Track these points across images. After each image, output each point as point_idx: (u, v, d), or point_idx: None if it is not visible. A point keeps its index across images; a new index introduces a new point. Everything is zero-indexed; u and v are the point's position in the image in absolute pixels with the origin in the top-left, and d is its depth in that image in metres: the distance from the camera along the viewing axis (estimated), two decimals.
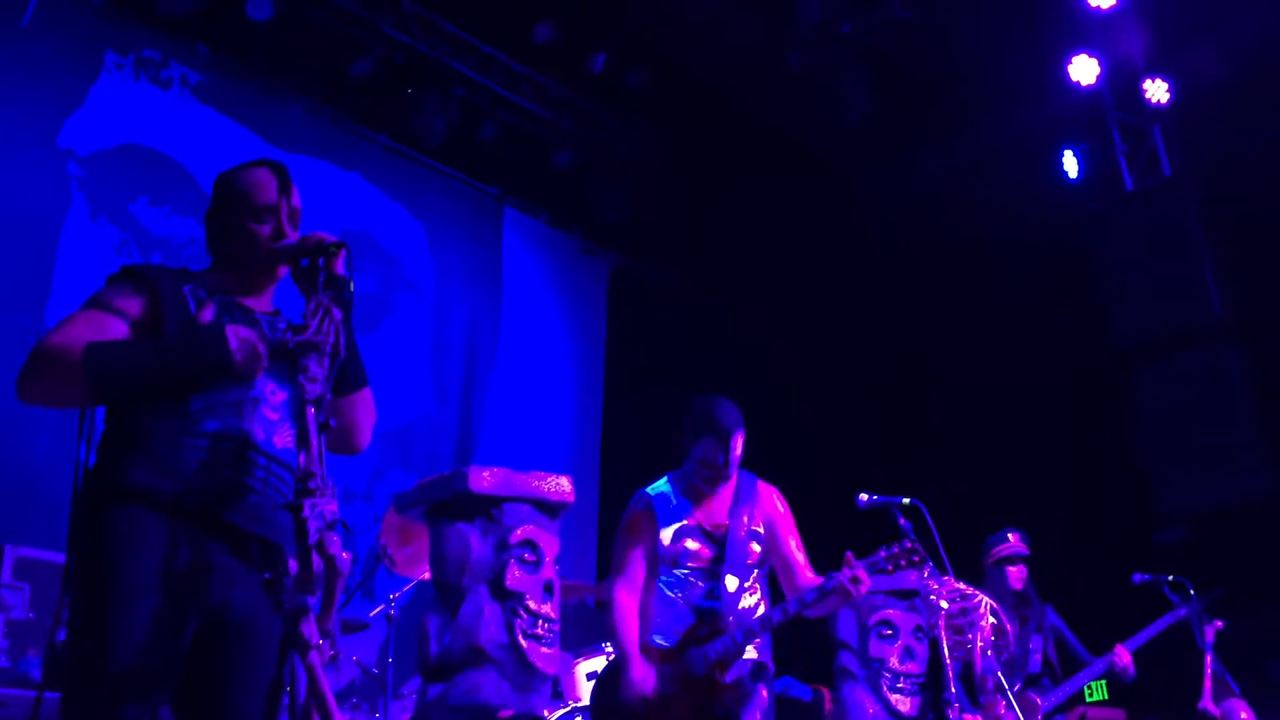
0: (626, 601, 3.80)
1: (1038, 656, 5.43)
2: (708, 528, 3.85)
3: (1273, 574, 7.06)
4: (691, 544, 3.81)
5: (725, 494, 3.91)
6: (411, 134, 7.91)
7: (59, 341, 2.32)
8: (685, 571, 3.78)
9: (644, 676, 3.68)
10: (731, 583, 3.77)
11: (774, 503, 3.97)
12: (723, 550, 3.80)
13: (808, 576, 3.83)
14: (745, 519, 3.87)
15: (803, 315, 9.57)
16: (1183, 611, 5.35)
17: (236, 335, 2.36)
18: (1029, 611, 5.54)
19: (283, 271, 2.60)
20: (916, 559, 3.68)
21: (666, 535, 3.82)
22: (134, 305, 2.41)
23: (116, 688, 2.15)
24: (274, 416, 2.46)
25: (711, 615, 3.71)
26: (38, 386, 2.34)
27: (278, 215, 2.56)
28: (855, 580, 3.58)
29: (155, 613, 2.21)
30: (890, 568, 3.68)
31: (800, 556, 3.90)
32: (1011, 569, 5.52)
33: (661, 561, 3.81)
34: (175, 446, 2.33)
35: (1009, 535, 5.63)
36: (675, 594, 3.78)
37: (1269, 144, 7.92)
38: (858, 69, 8.20)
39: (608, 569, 3.94)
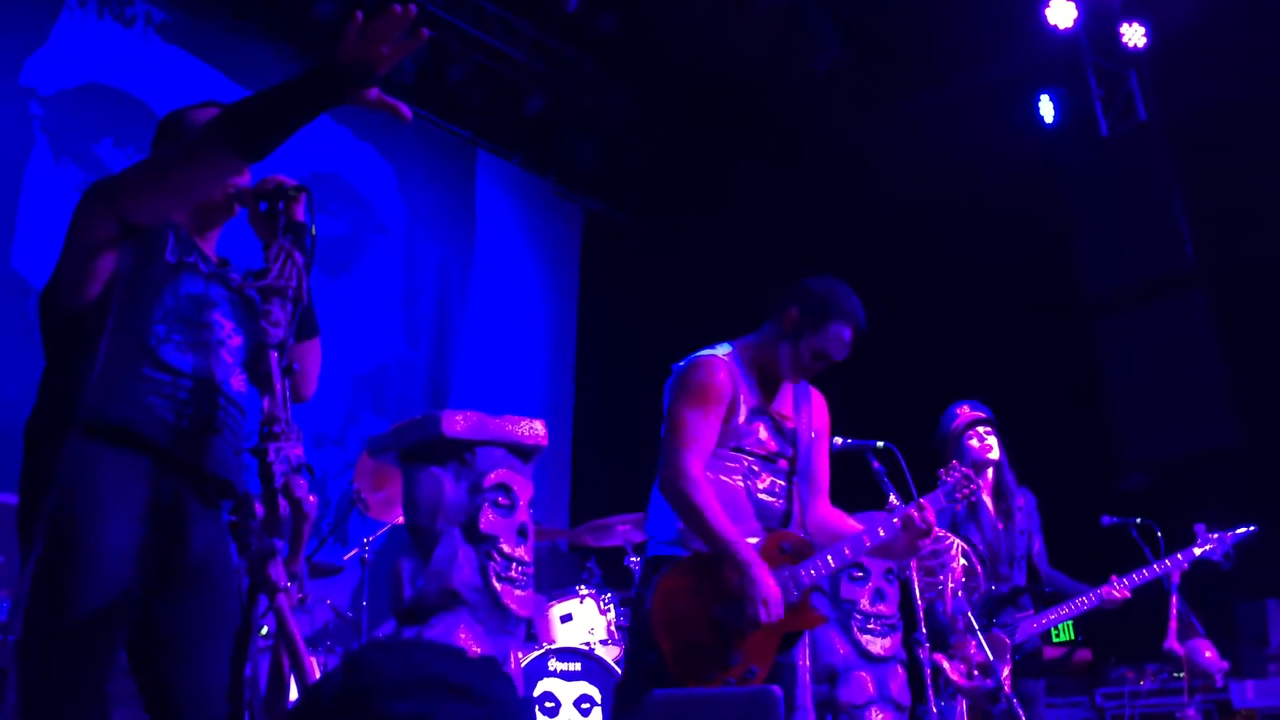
0: (705, 481, 3.21)
1: (1023, 562, 4.94)
2: (776, 418, 3.42)
3: (1237, 521, 7.16)
4: (761, 429, 3.36)
5: (786, 385, 3.52)
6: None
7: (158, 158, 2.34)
8: (750, 458, 3.34)
9: (775, 592, 3.10)
10: (800, 490, 3.42)
11: (826, 414, 3.60)
12: (793, 448, 3.43)
13: (828, 505, 3.51)
14: (808, 422, 3.50)
15: (775, 260, 9.55)
16: (1209, 544, 5.00)
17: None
18: (1011, 504, 4.94)
19: (236, 209, 2.55)
20: (974, 485, 3.55)
21: (744, 410, 3.33)
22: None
23: (77, 633, 2.13)
24: (230, 360, 2.45)
25: (768, 515, 3.33)
26: (179, 178, 2.27)
27: (213, 193, 2.52)
28: (921, 509, 3.37)
29: (121, 555, 2.20)
30: (959, 497, 3.54)
31: (826, 479, 3.54)
32: (969, 439, 4.91)
33: (725, 439, 3.30)
34: (143, 382, 2.30)
35: (958, 406, 5.07)
36: (735, 480, 3.32)
37: (1245, 88, 7.92)
38: (828, 13, 8.13)
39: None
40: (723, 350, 3.40)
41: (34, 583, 2.16)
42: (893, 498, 3.60)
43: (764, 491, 3.35)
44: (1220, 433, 7.63)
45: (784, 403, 3.47)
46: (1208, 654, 5.21)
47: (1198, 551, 5.00)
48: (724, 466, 3.31)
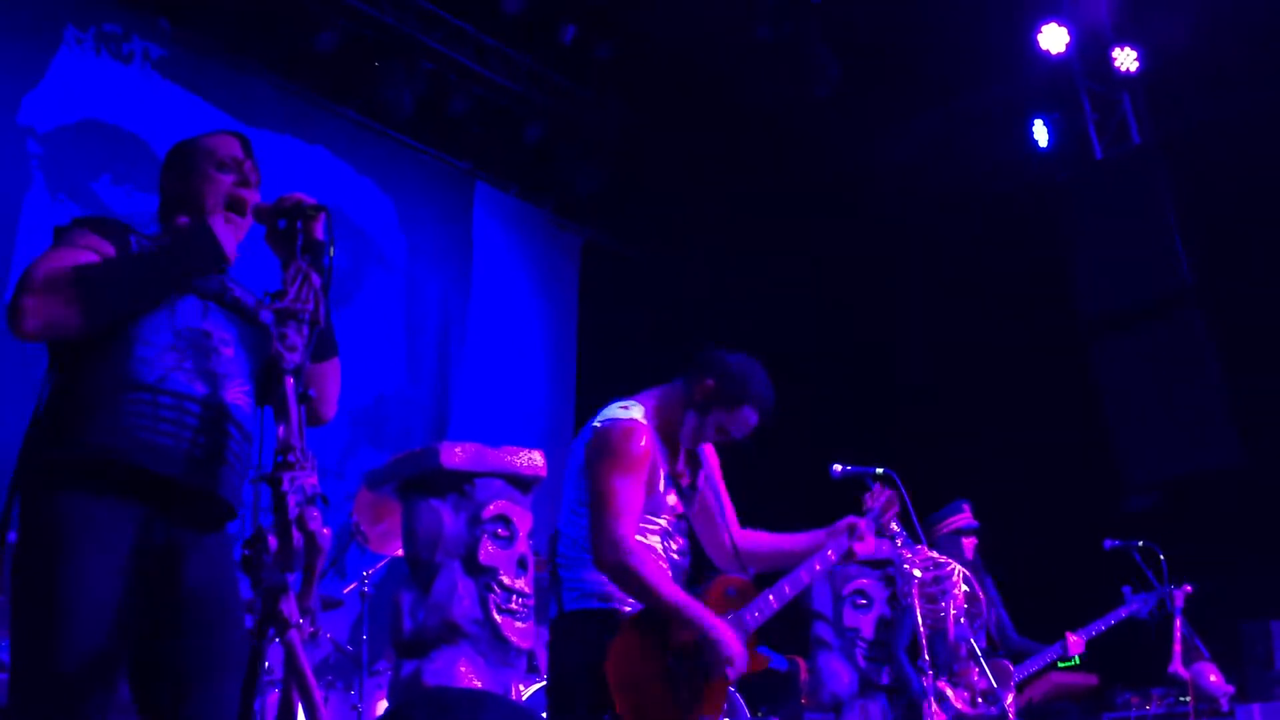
0: (640, 548, 3.21)
1: (982, 633, 5.31)
2: (676, 478, 3.46)
3: (1240, 541, 7.15)
4: (672, 495, 3.40)
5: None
6: (379, 108, 7.84)
7: (46, 267, 2.27)
8: (664, 521, 3.36)
9: (740, 647, 3.17)
10: (720, 530, 3.52)
11: (713, 453, 3.64)
12: (689, 505, 3.48)
13: (740, 529, 3.59)
14: (704, 465, 3.57)
15: (774, 287, 9.56)
16: (1135, 605, 5.37)
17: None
18: (976, 607, 5.53)
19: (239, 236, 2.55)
20: (896, 508, 3.59)
21: (662, 478, 3.36)
22: (105, 247, 2.36)
23: (60, 689, 2.09)
24: (224, 374, 2.39)
25: (681, 575, 3.37)
26: (31, 310, 2.23)
27: (240, 167, 2.52)
28: (861, 537, 3.45)
29: (101, 612, 2.15)
30: (885, 520, 3.58)
31: (731, 505, 3.61)
32: (966, 540, 5.48)
33: (644, 506, 3.32)
34: (128, 406, 2.26)
35: (962, 506, 5.57)
36: (654, 542, 3.33)
37: (1238, 110, 7.96)
38: (827, 40, 8.18)
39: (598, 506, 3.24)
40: (638, 412, 3.37)
41: (21, 634, 2.15)
42: (893, 524, 3.59)
43: (677, 552, 3.38)
44: (1223, 452, 7.62)
45: (681, 459, 3.51)
46: (1213, 677, 5.20)
47: (1125, 614, 5.38)
48: (645, 530, 3.31)
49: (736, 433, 3.41)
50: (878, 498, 3.60)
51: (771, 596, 3.31)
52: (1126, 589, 5.43)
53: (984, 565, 5.60)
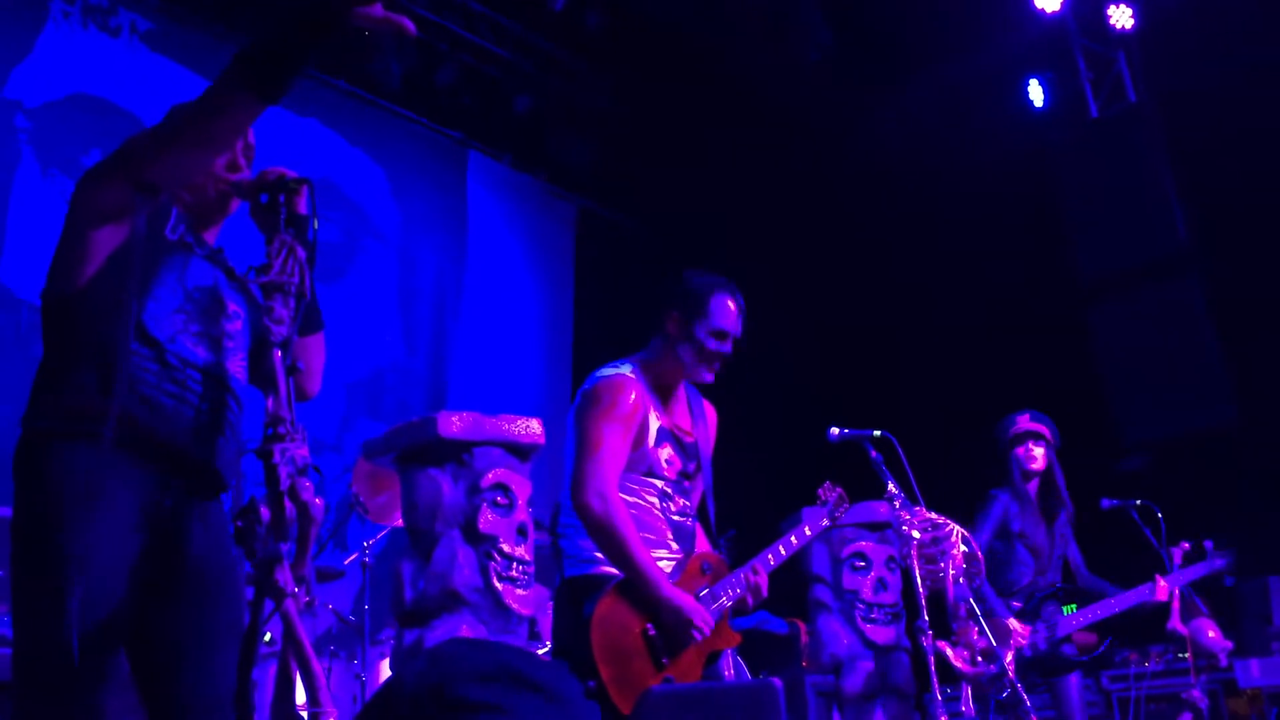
0: (620, 502, 3.15)
1: (1060, 562, 5.11)
2: (677, 433, 3.41)
3: (1236, 499, 7.18)
4: (666, 450, 3.35)
5: (680, 397, 3.51)
6: (369, 78, 7.79)
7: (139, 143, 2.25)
8: (661, 481, 3.32)
9: (701, 609, 3.16)
10: (703, 504, 3.48)
11: (714, 428, 3.61)
12: (695, 463, 3.45)
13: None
14: (704, 435, 3.51)
15: (769, 254, 9.55)
16: (1219, 563, 5.11)
17: None
18: (1053, 505, 5.13)
19: (232, 207, 2.53)
20: (846, 505, 3.78)
21: (652, 433, 3.31)
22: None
23: (70, 653, 2.04)
24: (230, 344, 2.39)
25: (683, 535, 3.36)
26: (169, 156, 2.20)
27: (233, 146, 2.50)
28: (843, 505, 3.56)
29: (115, 570, 2.13)
30: (836, 515, 3.73)
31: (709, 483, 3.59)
32: (1020, 449, 5.14)
33: (636, 464, 3.29)
34: (141, 360, 2.23)
35: (1019, 416, 5.24)
36: (652, 502, 3.30)
37: (1234, 68, 7.91)
38: (816, 5, 8.12)
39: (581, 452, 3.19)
40: (626, 369, 3.35)
41: (27, 600, 2.12)
42: (891, 485, 3.61)
43: (677, 513, 3.36)
44: (1219, 412, 7.63)
45: (681, 415, 3.48)
46: (1211, 634, 5.22)
47: (1216, 568, 5.12)
48: (640, 491, 3.29)
49: (730, 325, 3.39)
50: (830, 493, 3.72)
51: (745, 575, 3.33)
52: (1209, 543, 5.15)
53: (1065, 489, 5.18)
